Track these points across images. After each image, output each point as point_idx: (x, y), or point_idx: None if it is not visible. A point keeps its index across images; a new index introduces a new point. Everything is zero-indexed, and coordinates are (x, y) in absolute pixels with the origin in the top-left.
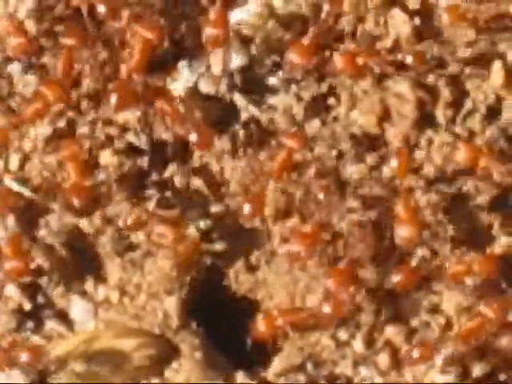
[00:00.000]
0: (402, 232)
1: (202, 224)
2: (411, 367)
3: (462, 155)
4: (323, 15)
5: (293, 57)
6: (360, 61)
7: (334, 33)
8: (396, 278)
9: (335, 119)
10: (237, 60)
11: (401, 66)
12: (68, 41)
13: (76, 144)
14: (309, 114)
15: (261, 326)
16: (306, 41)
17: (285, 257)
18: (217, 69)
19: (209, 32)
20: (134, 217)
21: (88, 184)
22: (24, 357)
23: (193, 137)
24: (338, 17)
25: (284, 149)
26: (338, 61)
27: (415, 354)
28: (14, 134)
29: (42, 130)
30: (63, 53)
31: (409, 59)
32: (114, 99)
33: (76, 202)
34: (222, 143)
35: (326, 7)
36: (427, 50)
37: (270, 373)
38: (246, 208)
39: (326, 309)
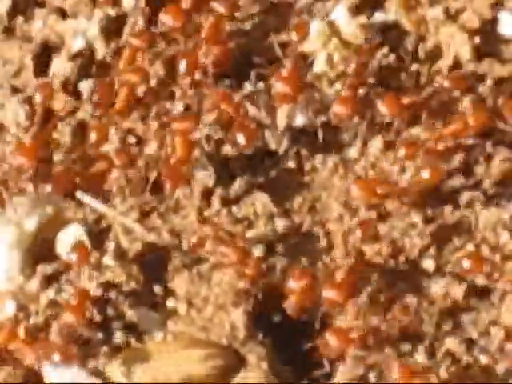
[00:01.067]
0: None
1: (269, 236)
2: None
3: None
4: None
5: (337, 108)
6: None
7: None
8: (466, 263)
9: None
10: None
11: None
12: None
13: (189, 121)
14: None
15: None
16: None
17: None
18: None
19: (279, 88)
20: (198, 235)
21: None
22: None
23: (239, 137)
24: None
25: None
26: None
27: None
28: None
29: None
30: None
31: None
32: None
33: (169, 183)
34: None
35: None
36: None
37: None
38: None
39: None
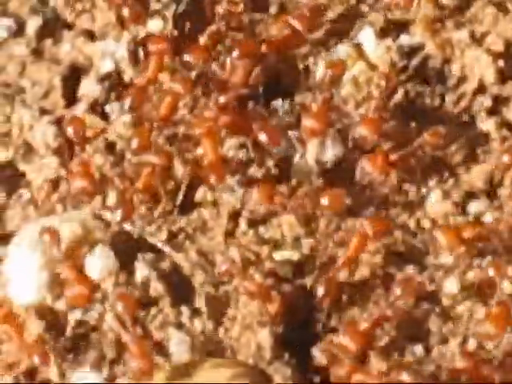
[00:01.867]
0: None
1: (295, 256)
2: None
3: None
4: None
5: (361, 130)
6: None
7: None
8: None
9: None
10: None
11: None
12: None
13: (209, 120)
14: None
15: None
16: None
17: None
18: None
19: (308, 123)
20: (225, 266)
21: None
22: None
23: (262, 137)
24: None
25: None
26: None
27: None
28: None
29: None
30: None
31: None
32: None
33: (214, 179)
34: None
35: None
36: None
37: None
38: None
39: None
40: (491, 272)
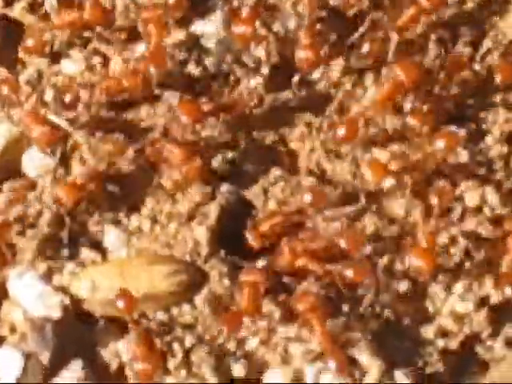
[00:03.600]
0: None
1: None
2: None
3: None
4: None
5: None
6: None
7: None
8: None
9: None
10: None
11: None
12: None
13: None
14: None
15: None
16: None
17: None
18: None
19: (238, 29)
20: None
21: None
22: None
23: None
24: None
25: None
26: None
27: None
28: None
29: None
30: None
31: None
32: None
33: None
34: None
35: None
36: None
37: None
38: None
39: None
40: None
